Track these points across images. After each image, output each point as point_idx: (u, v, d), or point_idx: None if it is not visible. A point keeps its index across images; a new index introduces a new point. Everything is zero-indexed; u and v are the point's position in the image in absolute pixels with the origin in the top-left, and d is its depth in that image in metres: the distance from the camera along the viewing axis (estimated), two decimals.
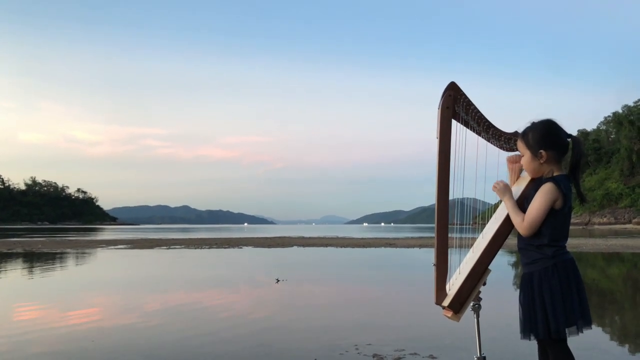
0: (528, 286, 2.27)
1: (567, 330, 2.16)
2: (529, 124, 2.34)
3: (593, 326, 2.25)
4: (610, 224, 78.37)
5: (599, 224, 79.47)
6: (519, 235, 2.32)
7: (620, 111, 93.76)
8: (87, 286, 8.88)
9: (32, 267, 12.69)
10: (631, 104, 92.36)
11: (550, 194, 2.18)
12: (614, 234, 37.30)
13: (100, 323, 5.48)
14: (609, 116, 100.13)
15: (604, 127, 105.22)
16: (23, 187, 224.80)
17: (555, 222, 2.21)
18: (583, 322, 2.19)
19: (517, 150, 2.43)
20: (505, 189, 2.39)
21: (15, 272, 11.52)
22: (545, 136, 2.27)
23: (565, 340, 2.20)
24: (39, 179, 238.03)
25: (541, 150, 2.26)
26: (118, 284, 9.18)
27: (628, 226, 69.41)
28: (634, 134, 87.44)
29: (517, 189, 2.42)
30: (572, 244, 19.81)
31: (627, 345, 4.52)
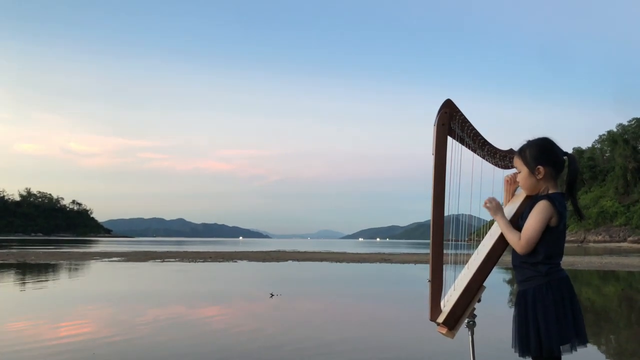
0: (522, 303, 2.27)
1: (560, 348, 2.15)
2: (525, 142, 2.36)
3: (588, 344, 2.24)
4: (605, 242, 78.59)
5: (594, 241, 79.72)
6: (513, 253, 2.33)
7: (615, 130, 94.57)
8: (81, 299, 8.82)
9: (25, 279, 12.60)
10: (625, 122, 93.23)
11: (545, 212, 2.19)
12: (609, 252, 37.37)
13: (92, 336, 5.43)
14: (603, 135, 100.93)
15: (598, 146, 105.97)
16: (17, 198, 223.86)
17: (550, 240, 2.22)
18: (578, 340, 2.18)
19: (512, 167, 2.45)
20: (497, 208, 2.40)
21: (7, 284, 11.42)
22: (542, 153, 2.29)
23: (559, 358, 2.19)
24: (34, 190, 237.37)
25: (539, 166, 2.28)
26: (111, 297, 9.12)
27: (623, 244, 69.56)
28: (628, 152, 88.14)
29: (511, 207, 2.43)
30: (567, 261, 19.82)
31: None
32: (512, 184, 2.51)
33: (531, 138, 2.36)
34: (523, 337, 2.23)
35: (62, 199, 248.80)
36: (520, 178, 2.38)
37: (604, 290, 11.14)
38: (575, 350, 2.19)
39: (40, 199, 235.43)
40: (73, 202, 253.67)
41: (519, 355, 2.26)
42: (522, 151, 2.35)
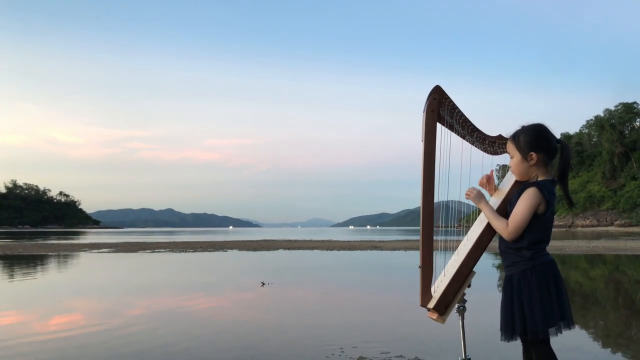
0: (508, 288, 2.30)
1: (546, 331, 2.18)
2: (519, 127, 2.36)
3: (576, 327, 2.27)
4: (592, 226, 79.44)
5: (582, 226, 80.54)
6: (500, 238, 2.35)
7: (602, 115, 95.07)
8: (70, 291, 8.78)
9: (16, 271, 12.51)
10: (612, 107, 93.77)
11: (533, 199, 2.20)
12: (596, 236, 37.75)
13: (81, 328, 5.42)
14: (591, 120, 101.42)
15: (586, 131, 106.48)
16: (3, 190, 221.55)
17: (536, 227, 2.23)
18: (564, 323, 2.21)
19: (501, 153, 2.46)
20: (479, 196, 2.42)
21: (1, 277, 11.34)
22: (536, 139, 2.30)
23: (547, 341, 2.22)
24: (20, 182, 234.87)
25: (532, 152, 2.28)
26: (101, 288, 9.09)
27: (610, 228, 70.35)
28: (615, 137, 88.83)
29: (499, 196, 2.44)
30: (556, 246, 20.01)
31: (609, 346, 4.57)
32: (487, 184, 2.52)
33: (525, 124, 2.36)
34: (509, 322, 2.26)
35: (49, 190, 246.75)
36: (512, 163, 2.38)
37: (591, 274, 11.28)
38: (561, 332, 2.21)
39: (26, 191, 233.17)
40: (60, 193, 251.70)
41: (502, 339, 2.29)
42: (516, 137, 2.35)
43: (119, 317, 6.07)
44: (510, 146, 2.37)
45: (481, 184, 2.52)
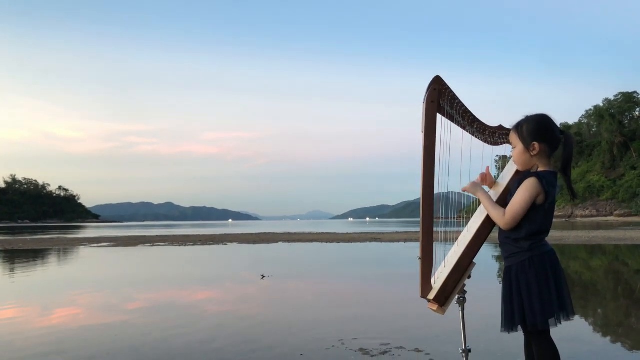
0: (507, 280, 2.30)
1: (545, 322, 2.18)
2: (523, 117, 2.34)
3: (576, 318, 2.27)
4: (592, 216, 79.55)
5: (582, 216, 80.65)
6: (499, 229, 2.34)
7: (601, 105, 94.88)
8: (71, 285, 8.78)
9: (14, 266, 12.52)
10: (612, 97, 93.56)
11: (532, 189, 2.19)
12: (596, 226, 37.81)
13: (81, 322, 5.42)
14: (590, 109, 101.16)
15: (585, 121, 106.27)
16: (3, 185, 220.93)
17: (534, 217, 2.22)
18: (563, 313, 2.21)
19: (501, 143, 2.44)
20: (474, 186, 2.41)
21: (4, 271, 11.35)
22: (539, 130, 2.28)
23: (547, 331, 2.22)
24: (19, 177, 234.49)
25: (534, 142, 2.27)
26: (101, 282, 9.09)
27: (610, 218, 70.47)
28: (614, 127, 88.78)
29: (496, 192, 2.43)
30: (555, 236, 20.03)
31: (608, 336, 4.58)
32: (485, 181, 2.51)
33: (529, 114, 2.34)
34: (509, 313, 2.26)
35: (49, 185, 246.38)
36: (514, 153, 2.37)
37: (591, 264, 11.30)
38: (560, 323, 2.21)
39: (26, 186, 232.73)
40: (60, 188, 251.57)
41: (503, 330, 2.28)
42: (519, 126, 2.33)
43: (119, 310, 6.08)
44: (513, 136, 2.36)
45: (482, 181, 2.51)
